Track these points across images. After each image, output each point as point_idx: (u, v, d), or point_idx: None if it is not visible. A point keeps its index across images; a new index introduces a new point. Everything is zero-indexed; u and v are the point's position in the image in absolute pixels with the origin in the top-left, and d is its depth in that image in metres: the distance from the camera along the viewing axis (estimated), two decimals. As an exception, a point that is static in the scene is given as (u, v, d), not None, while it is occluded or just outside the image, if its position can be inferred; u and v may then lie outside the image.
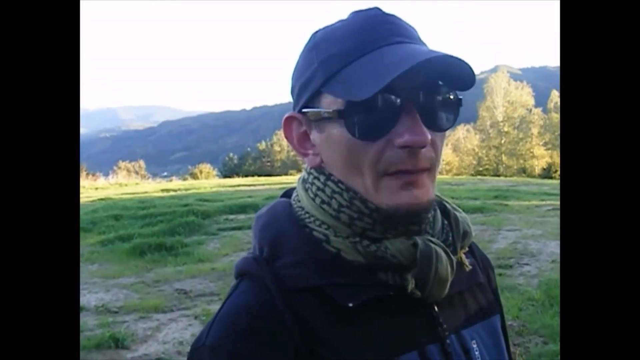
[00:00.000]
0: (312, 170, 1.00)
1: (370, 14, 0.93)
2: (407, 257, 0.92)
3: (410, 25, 0.96)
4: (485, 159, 56.76)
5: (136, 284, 8.25)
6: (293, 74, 1.00)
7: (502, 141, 56.40)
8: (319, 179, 0.98)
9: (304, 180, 1.02)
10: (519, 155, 55.59)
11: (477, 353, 0.99)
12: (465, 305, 1.04)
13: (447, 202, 1.05)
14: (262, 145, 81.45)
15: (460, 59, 0.86)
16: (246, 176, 37.48)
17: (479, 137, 58.12)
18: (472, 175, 41.47)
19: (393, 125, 0.88)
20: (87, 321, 6.51)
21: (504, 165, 54.63)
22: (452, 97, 0.93)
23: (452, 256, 0.97)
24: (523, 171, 51.62)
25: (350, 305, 0.90)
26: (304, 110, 0.96)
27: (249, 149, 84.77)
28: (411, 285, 0.93)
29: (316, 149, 0.97)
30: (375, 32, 0.91)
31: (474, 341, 1.00)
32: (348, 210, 0.93)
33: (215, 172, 61.07)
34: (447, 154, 54.14)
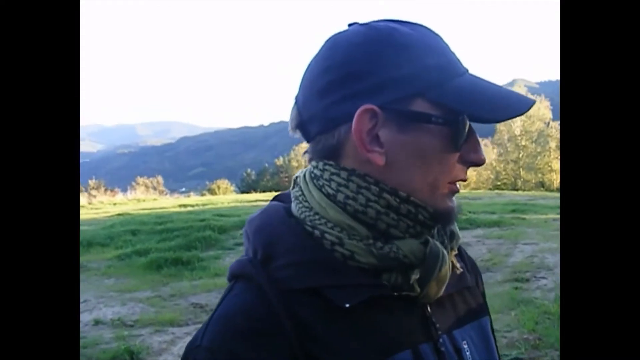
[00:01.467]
0: (326, 167, 0.97)
1: (434, 33, 0.97)
2: (418, 257, 0.93)
3: None
4: (503, 173, 56.37)
5: (152, 298, 8.29)
6: (360, 67, 0.92)
7: (520, 155, 56.01)
8: (338, 175, 0.95)
9: (315, 178, 0.99)
10: (537, 169, 55.17)
11: (468, 353, 1.01)
12: (456, 307, 1.05)
13: None
14: (280, 161, 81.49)
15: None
16: (264, 192, 37.45)
17: (497, 151, 57.73)
18: (490, 189, 41.23)
19: (464, 141, 0.94)
20: (103, 334, 6.55)
21: (522, 179, 54.22)
22: None
23: (449, 258, 0.99)
24: (541, 185, 51.23)
25: (347, 305, 0.90)
26: (394, 107, 0.92)
27: (266, 165, 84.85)
28: (414, 277, 0.94)
29: (384, 148, 0.93)
30: (454, 55, 0.97)
31: (465, 341, 1.02)
32: (376, 205, 0.93)
33: (233, 188, 61.13)
34: (464, 168, 53.69)
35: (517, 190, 40.49)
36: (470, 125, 0.94)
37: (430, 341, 0.97)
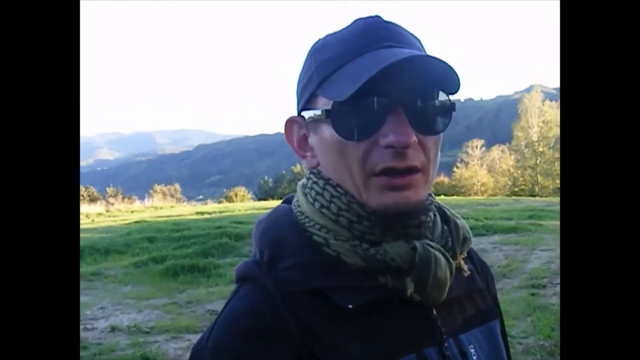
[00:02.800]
0: (311, 175, 1.01)
1: (368, 21, 0.96)
2: (406, 261, 0.93)
3: (410, 33, 0.98)
4: (521, 179, 55.92)
5: (168, 304, 8.32)
6: (298, 79, 1.03)
7: (538, 161, 55.50)
8: (317, 184, 0.99)
9: (303, 186, 1.04)
10: (555, 175, 54.52)
11: (474, 357, 1.00)
12: (464, 310, 1.04)
13: (447, 208, 1.07)
14: (297, 168, 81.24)
15: (440, 60, 0.87)
16: (281, 199, 37.16)
17: (514, 158, 57.29)
18: (508, 195, 40.96)
19: (380, 126, 0.91)
20: (120, 341, 6.59)
21: (539, 186, 53.71)
22: (443, 100, 0.94)
23: (452, 261, 0.97)
24: (559, 191, 50.67)
25: (350, 306, 0.90)
26: (302, 112, 1.00)
27: (283, 172, 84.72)
28: (410, 288, 0.93)
29: (313, 151, 1.01)
30: (368, 37, 0.94)
31: (472, 345, 1.01)
32: (347, 214, 0.95)
33: (250, 195, 61.13)
34: (482, 175, 53.67)
35: (534, 196, 40.21)
36: (386, 105, 0.90)
37: (436, 345, 0.96)
